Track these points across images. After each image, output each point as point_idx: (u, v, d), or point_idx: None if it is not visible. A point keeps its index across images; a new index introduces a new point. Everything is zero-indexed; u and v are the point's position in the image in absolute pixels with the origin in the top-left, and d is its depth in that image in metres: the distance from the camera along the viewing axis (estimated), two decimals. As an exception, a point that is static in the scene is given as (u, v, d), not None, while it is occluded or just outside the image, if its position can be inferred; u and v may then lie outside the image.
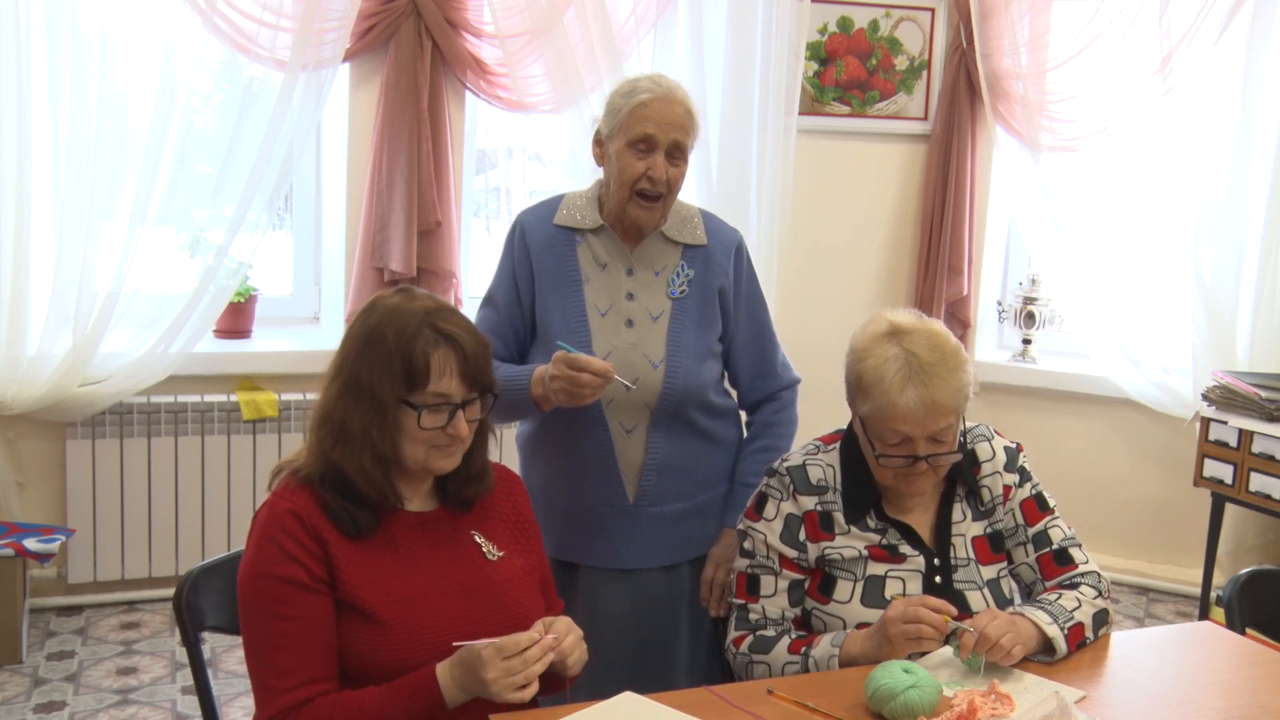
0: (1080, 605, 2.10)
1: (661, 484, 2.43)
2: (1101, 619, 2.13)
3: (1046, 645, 2.03)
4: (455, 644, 1.78)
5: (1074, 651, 2.06)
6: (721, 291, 2.47)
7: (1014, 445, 2.26)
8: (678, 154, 2.35)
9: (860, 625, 2.09)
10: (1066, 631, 2.04)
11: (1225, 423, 4.03)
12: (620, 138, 2.34)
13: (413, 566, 1.89)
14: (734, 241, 2.51)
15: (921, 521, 2.17)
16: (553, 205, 2.49)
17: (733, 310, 2.49)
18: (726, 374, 2.56)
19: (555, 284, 2.42)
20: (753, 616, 2.16)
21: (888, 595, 2.10)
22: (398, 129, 4.07)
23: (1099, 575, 2.18)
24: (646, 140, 2.32)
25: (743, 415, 2.62)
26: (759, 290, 2.56)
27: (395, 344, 1.83)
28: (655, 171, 2.33)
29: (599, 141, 2.42)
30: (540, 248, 2.44)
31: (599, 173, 3.41)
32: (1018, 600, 2.21)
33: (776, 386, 2.57)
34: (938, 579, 2.13)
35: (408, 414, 1.84)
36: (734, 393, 2.60)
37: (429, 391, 1.84)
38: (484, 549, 1.97)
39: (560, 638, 1.80)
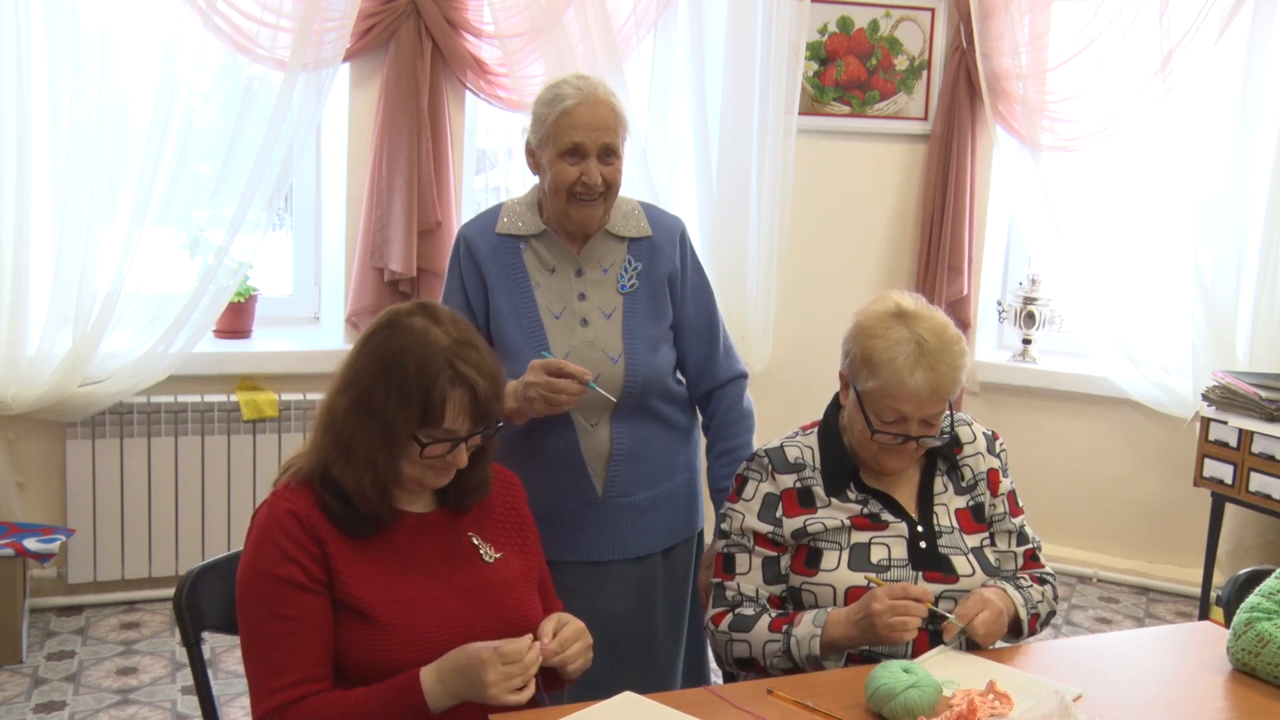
0: (1043, 600, 2.24)
1: (628, 474, 2.45)
2: (1047, 620, 2.27)
3: (1014, 627, 2.16)
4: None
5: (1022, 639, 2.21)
6: (670, 279, 2.48)
7: (990, 432, 2.35)
8: (609, 155, 2.34)
9: (850, 589, 2.12)
10: (1029, 617, 2.19)
11: (1225, 423, 4.03)
12: (550, 148, 2.33)
13: (410, 567, 1.89)
14: (678, 230, 2.52)
15: (905, 493, 2.23)
16: (493, 215, 2.47)
17: (679, 297, 2.50)
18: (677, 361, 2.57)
19: (506, 292, 2.42)
20: (729, 594, 2.20)
21: (874, 560, 2.14)
22: (398, 129, 4.07)
23: (1056, 579, 2.33)
24: (576, 148, 2.31)
25: (697, 409, 2.63)
26: (704, 278, 2.57)
27: (415, 379, 1.82)
28: (589, 177, 2.32)
29: (530, 152, 2.40)
30: (487, 258, 2.43)
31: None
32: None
33: (724, 377, 2.57)
34: (922, 544, 2.17)
35: (413, 444, 1.84)
36: (684, 380, 2.60)
37: (440, 429, 1.84)
38: (481, 551, 1.97)
39: (564, 645, 1.81)
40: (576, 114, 2.30)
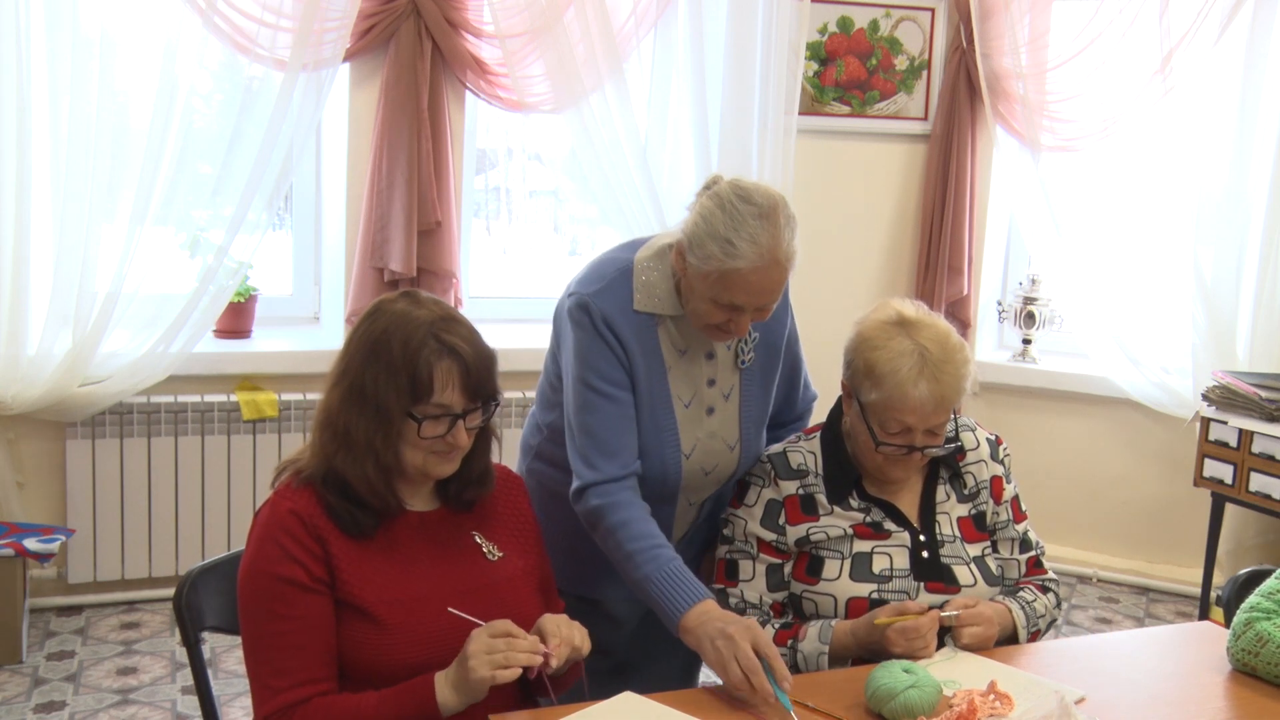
0: (1046, 613, 2.23)
1: (700, 534, 2.42)
2: (1049, 627, 2.26)
3: (1009, 636, 2.15)
4: (450, 609, 1.79)
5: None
6: (782, 343, 2.38)
7: (994, 437, 2.33)
8: (765, 309, 2.15)
9: (851, 599, 2.12)
10: (1029, 634, 2.19)
11: (1225, 423, 4.03)
12: (707, 286, 2.09)
13: (413, 567, 1.89)
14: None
15: (907, 501, 2.22)
16: (624, 286, 2.21)
17: (783, 350, 2.40)
18: None
19: (647, 375, 2.22)
20: (732, 601, 2.19)
21: (875, 570, 2.14)
22: (398, 129, 4.07)
23: (1058, 583, 2.32)
24: (733, 305, 2.10)
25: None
26: (794, 320, 2.46)
27: (401, 355, 1.82)
28: (737, 329, 2.14)
29: (681, 253, 2.12)
30: (629, 339, 2.19)
31: (597, 171, 3.27)
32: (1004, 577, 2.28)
33: (801, 409, 2.54)
34: (924, 554, 2.17)
35: (409, 423, 1.84)
36: None
37: (432, 403, 1.83)
38: (484, 549, 1.97)
39: (563, 643, 1.81)
40: (748, 279, 2.06)
